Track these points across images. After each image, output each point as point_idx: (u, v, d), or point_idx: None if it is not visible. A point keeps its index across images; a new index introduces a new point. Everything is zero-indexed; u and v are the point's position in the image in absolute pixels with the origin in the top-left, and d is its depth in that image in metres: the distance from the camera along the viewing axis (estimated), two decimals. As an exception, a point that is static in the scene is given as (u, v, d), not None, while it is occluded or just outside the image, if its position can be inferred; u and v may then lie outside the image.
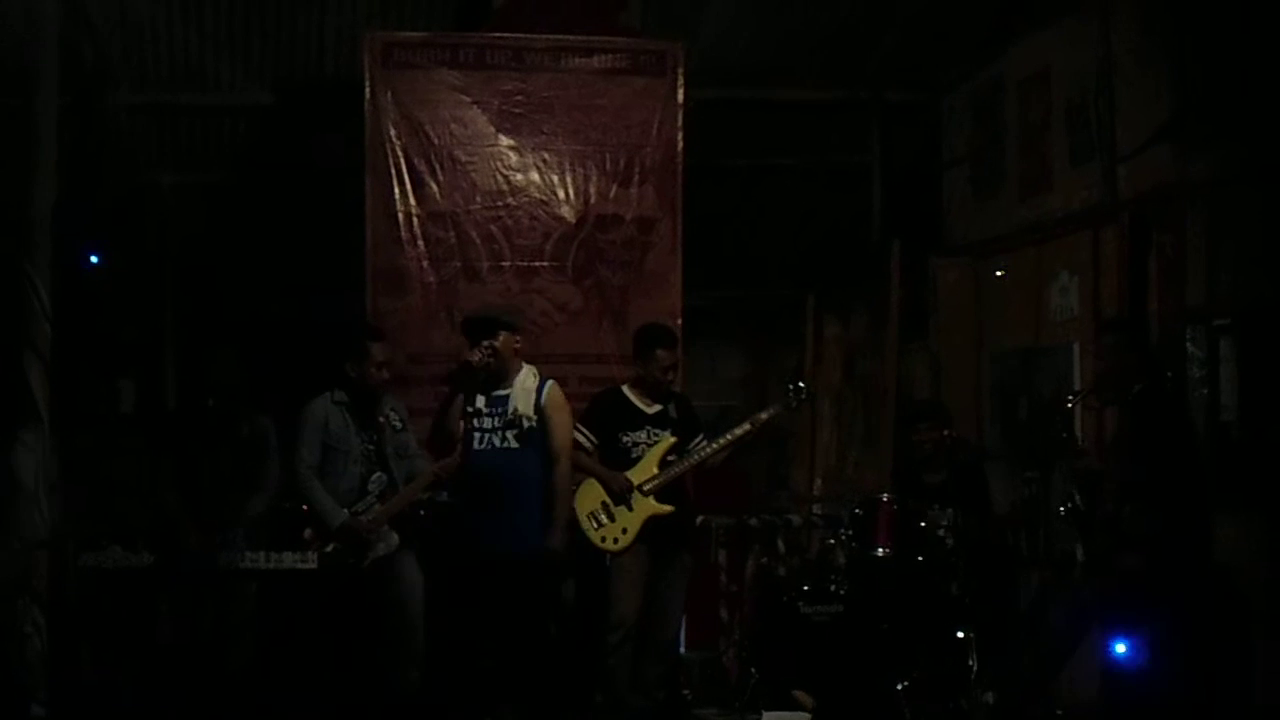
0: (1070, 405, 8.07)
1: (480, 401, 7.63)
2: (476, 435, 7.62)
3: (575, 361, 9.40)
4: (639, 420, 8.26)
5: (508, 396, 7.73)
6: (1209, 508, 7.21)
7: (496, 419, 7.70)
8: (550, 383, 7.86)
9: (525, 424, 7.68)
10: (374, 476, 7.84)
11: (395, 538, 7.81)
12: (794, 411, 8.88)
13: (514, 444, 7.68)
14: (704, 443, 8.38)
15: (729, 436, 8.36)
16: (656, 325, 8.66)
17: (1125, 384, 7.42)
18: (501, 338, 7.68)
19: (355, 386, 7.88)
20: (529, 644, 7.62)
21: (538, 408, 7.72)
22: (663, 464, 8.20)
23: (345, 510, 7.72)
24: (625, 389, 8.38)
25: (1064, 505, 7.87)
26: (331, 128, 10.08)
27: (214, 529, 7.76)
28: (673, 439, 8.28)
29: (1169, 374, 7.85)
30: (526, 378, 7.80)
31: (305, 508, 7.83)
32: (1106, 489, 7.58)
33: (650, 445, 8.22)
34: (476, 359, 7.52)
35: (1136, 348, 7.56)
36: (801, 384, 8.58)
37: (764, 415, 8.48)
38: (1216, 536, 7.22)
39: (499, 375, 7.71)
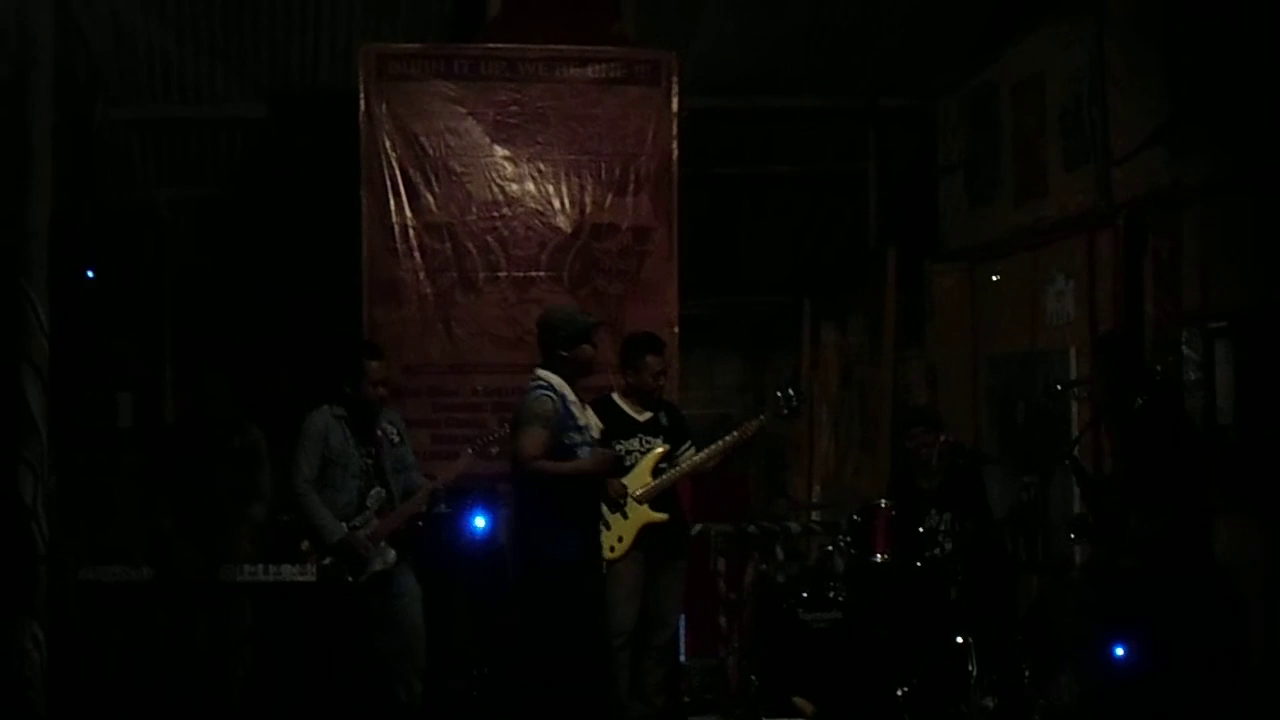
0: (1062, 391, 8.33)
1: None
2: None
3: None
4: (631, 428, 8.26)
5: None
6: (1209, 510, 7.22)
7: None
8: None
9: None
10: (373, 492, 7.78)
11: (392, 554, 7.76)
12: (785, 419, 8.85)
13: None
14: (691, 450, 8.39)
15: (720, 444, 8.36)
16: (644, 333, 8.67)
17: (1127, 399, 7.43)
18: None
19: (353, 402, 7.84)
20: None
21: None
22: (655, 472, 8.20)
23: (343, 525, 7.68)
24: (615, 397, 8.38)
25: (1072, 532, 7.93)
26: (327, 140, 10.09)
27: (210, 543, 7.75)
28: (665, 447, 8.29)
29: (1158, 368, 7.85)
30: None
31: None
32: (1109, 494, 7.61)
33: (643, 453, 8.22)
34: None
35: (1132, 360, 7.58)
36: (792, 391, 8.54)
37: (754, 423, 8.47)
38: (1214, 538, 7.23)
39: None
